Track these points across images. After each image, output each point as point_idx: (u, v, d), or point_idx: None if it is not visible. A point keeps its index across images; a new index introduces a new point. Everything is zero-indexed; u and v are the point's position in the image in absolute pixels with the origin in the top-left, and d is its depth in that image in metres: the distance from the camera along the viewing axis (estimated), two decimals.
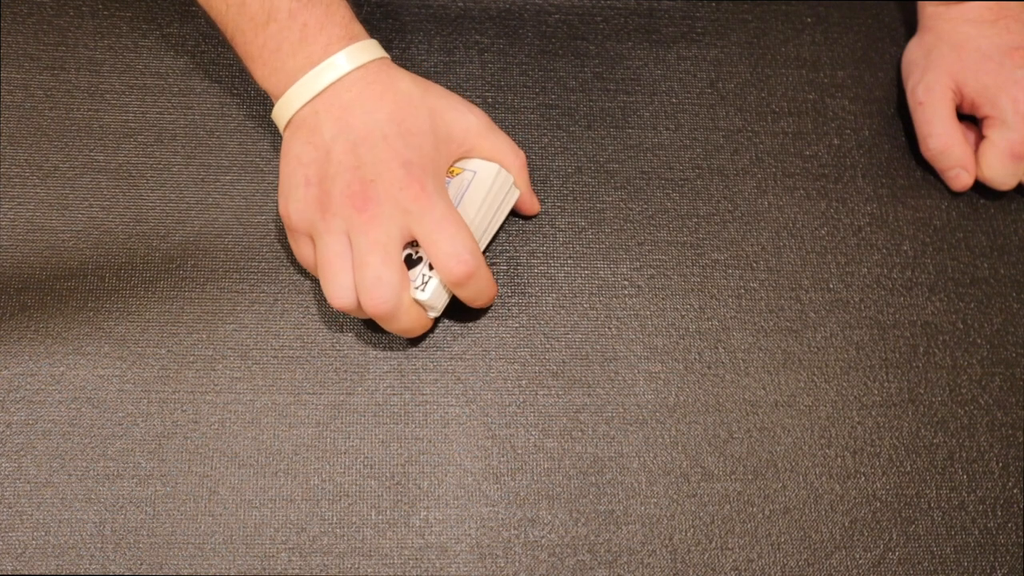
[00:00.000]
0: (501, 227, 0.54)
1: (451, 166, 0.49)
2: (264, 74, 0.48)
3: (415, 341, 0.51)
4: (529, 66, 0.57)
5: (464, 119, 0.49)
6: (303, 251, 0.48)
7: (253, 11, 0.46)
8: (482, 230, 0.49)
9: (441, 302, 0.47)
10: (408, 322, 0.47)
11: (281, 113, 0.48)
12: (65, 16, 0.56)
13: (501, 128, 0.52)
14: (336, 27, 0.47)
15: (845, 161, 0.57)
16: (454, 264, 0.45)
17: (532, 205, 0.53)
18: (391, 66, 0.48)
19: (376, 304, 0.45)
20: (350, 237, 0.45)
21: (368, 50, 0.47)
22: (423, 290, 0.46)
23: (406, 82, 0.48)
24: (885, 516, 0.50)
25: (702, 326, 0.53)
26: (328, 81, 0.46)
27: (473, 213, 0.48)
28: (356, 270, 0.45)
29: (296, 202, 0.46)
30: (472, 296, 0.48)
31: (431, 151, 0.47)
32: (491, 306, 0.52)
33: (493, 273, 0.53)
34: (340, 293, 0.46)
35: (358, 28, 0.48)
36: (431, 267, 0.46)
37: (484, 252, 0.53)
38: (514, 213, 0.54)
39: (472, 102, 0.56)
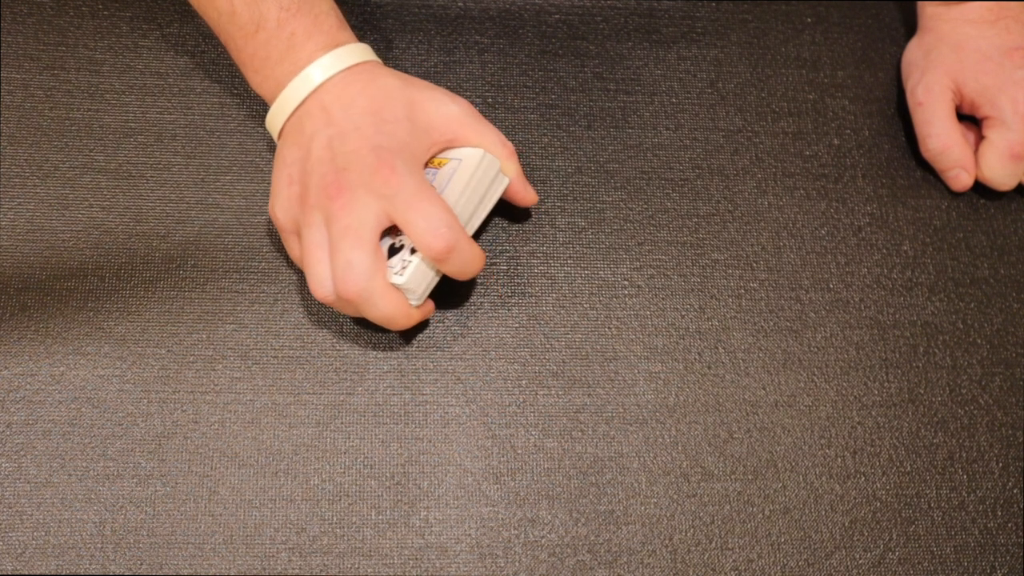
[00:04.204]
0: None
1: (437, 157, 0.49)
2: (257, 81, 0.49)
3: (413, 340, 0.51)
4: (529, 66, 0.57)
5: (445, 108, 0.48)
6: (294, 250, 0.48)
7: (243, 20, 0.47)
8: (468, 215, 0.48)
9: (421, 287, 0.47)
10: (386, 308, 0.46)
11: (273, 121, 0.48)
12: (65, 16, 0.56)
13: (501, 128, 0.52)
14: (323, 35, 0.47)
15: (845, 161, 0.57)
16: (431, 239, 0.45)
17: (526, 195, 0.52)
18: (376, 66, 0.48)
19: (347, 288, 0.45)
20: (327, 227, 0.45)
21: (354, 54, 0.48)
22: (401, 274, 0.46)
23: (387, 77, 0.48)
24: (885, 516, 0.50)
25: (702, 326, 0.53)
26: (312, 86, 0.47)
27: (456, 198, 0.47)
28: (330, 257, 0.45)
29: (281, 201, 0.47)
30: (458, 270, 0.47)
31: (405, 137, 0.46)
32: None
33: (493, 272, 0.53)
34: (319, 283, 0.46)
35: (347, 35, 0.49)
36: (413, 251, 0.46)
37: (476, 239, 0.53)
38: (511, 206, 0.54)
39: (472, 102, 0.56)
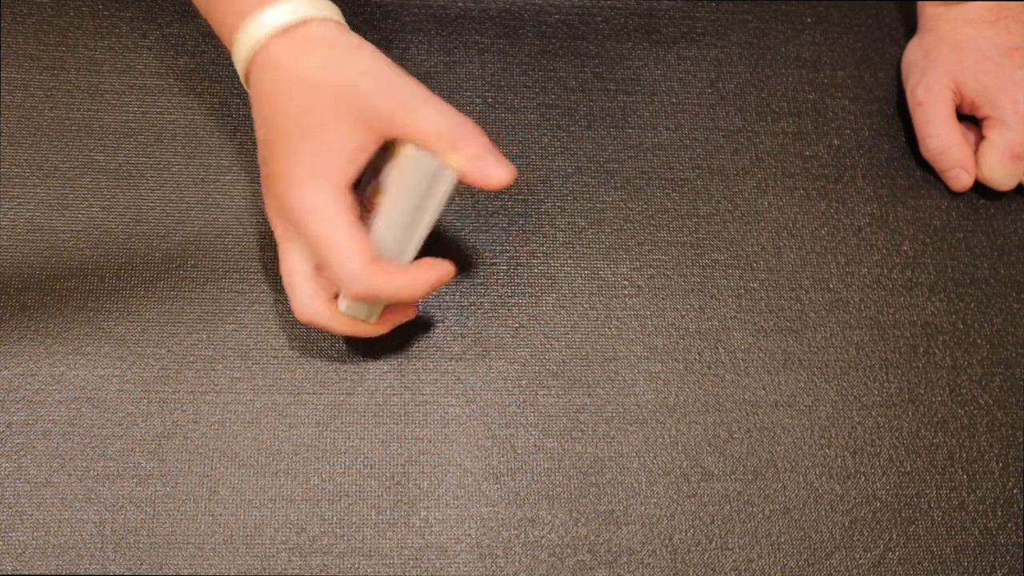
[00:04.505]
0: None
1: (396, 149, 0.44)
2: (223, 42, 0.45)
3: (413, 340, 0.51)
4: (529, 66, 0.57)
5: (381, 103, 0.42)
6: None
7: None
8: (403, 230, 0.44)
9: (363, 311, 0.46)
10: (339, 329, 0.45)
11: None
12: (65, 16, 0.56)
13: (501, 128, 0.51)
14: None
15: (845, 161, 0.57)
16: (344, 286, 0.42)
17: (489, 180, 0.43)
18: (306, 42, 0.42)
19: (298, 319, 0.45)
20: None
21: (286, 12, 0.42)
22: (343, 300, 0.45)
23: (312, 66, 0.42)
24: (885, 516, 0.50)
25: (702, 326, 0.53)
26: (244, 59, 0.43)
27: (388, 218, 0.43)
28: None
29: (263, 191, 0.47)
30: (395, 299, 0.44)
31: (331, 149, 0.42)
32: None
33: (493, 272, 0.53)
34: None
35: None
36: None
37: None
38: (511, 202, 0.54)
39: (472, 102, 0.56)
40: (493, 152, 0.42)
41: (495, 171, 0.42)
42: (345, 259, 0.41)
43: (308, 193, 0.42)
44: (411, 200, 0.43)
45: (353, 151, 0.42)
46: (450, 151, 0.42)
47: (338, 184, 0.42)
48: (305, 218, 0.42)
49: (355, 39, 0.43)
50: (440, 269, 0.44)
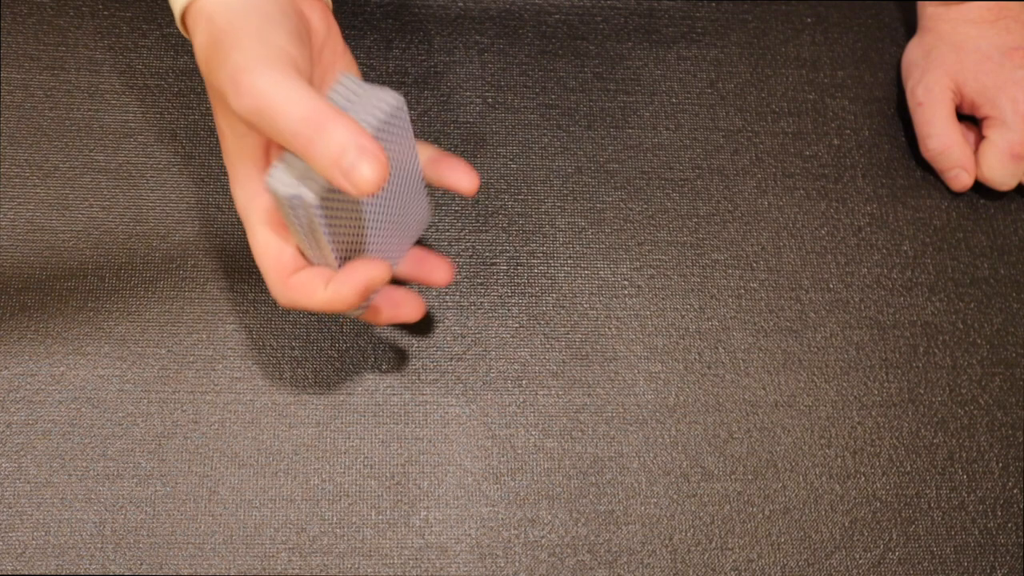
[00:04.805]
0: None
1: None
2: None
3: (413, 340, 0.51)
4: (529, 66, 0.57)
5: (237, 105, 0.35)
6: None
7: None
8: (304, 243, 0.40)
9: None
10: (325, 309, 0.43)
11: None
12: (65, 16, 0.56)
13: (501, 128, 0.51)
14: None
15: (845, 161, 0.57)
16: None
17: (358, 179, 0.34)
18: (196, 16, 0.37)
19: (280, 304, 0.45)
20: None
21: None
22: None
23: (197, 53, 0.37)
24: (885, 516, 0.50)
25: (702, 326, 0.53)
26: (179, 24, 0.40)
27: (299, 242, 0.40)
28: None
29: None
30: (325, 312, 0.42)
31: (229, 157, 0.39)
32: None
33: (493, 272, 0.53)
34: None
35: None
36: None
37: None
38: (511, 202, 0.54)
39: (472, 102, 0.56)
40: (357, 147, 0.33)
41: (360, 172, 0.33)
42: (265, 274, 0.41)
43: (237, 175, 0.40)
44: (291, 221, 0.38)
45: (250, 156, 0.39)
46: (308, 157, 0.34)
47: (249, 196, 0.40)
48: (238, 207, 0.41)
49: (241, 12, 0.36)
50: (368, 272, 0.39)
